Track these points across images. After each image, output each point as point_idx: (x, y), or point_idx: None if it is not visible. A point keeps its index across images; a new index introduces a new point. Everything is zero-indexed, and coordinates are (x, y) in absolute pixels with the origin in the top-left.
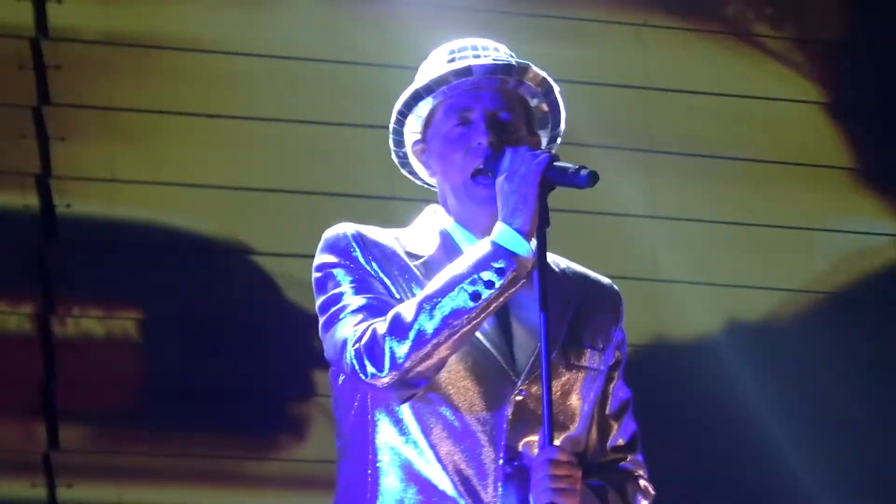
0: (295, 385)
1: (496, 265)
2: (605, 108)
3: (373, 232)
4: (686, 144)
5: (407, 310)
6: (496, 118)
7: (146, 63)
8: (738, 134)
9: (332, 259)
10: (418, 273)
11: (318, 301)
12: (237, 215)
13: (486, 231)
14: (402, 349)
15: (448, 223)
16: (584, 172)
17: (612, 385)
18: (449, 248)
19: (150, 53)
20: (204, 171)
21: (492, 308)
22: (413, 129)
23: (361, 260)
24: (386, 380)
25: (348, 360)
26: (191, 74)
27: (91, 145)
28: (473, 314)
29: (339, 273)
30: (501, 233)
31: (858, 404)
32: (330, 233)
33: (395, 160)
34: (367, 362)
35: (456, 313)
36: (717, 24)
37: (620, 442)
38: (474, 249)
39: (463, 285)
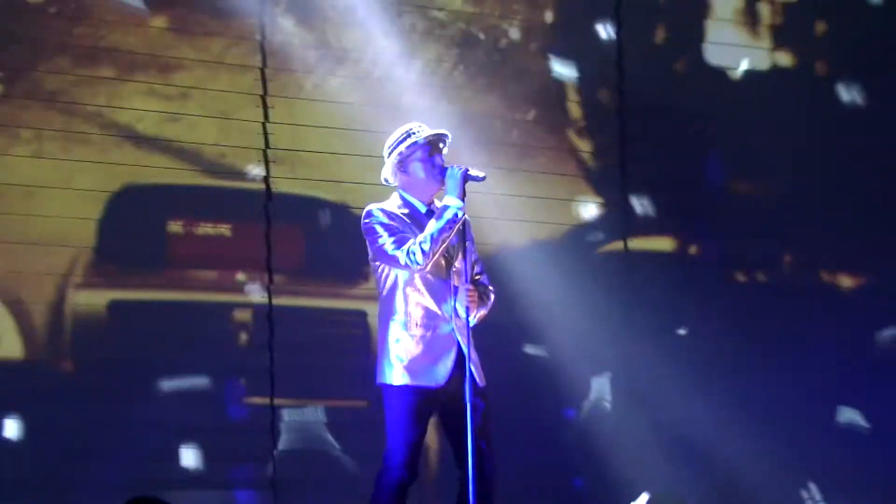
0: None
1: (456, 213)
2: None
3: (387, 205)
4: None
5: (424, 239)
6: (443, 155)
7: None
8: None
9: (374, 220)
10: (408, 221)
11: (373, 240)
12: None
13: (429, 202)
14: (425, 254)
15: (410, 198)
16: (481, 175)
17: (473, 249)
18: (414, 210)
19: None
20: None
21: (454, 232)
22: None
23: (387, 220)
24: (421, 265)
25: (403, 262)
26: None
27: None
28: (449, 234)
29: (379, 228)
30: (453, 200)
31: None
32: (369, 208)
33: (389, 163)
34: (413, 260)
35: (444, 235)
36: None
37: (479, 269)
38: (445, 209)
39: (445, 222)
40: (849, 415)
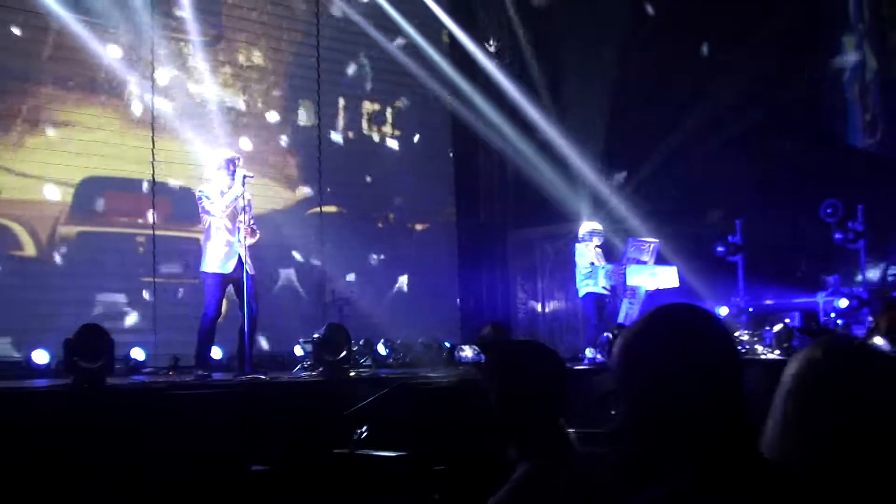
0: None
1: (238, 193)
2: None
3: (209, 185)
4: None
5: (223, 204)
6: (237, 165)
7: None
8: None
9: (203, 194)
10: (219, 196)
11: (201, 203)
12: None
13: (229, 187)
14: (222, 211)
15: (220, 186)
16: (251, 175)
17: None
18: (222, 192)
19: None
20: None
21: (236, 201)
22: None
23: (208, 193)
24: (220, 216)
25: (213, 213)
26: None
27: None
28: (234, 202)
29: (204, 197)
30: (237, 187)
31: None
32: (200, 188)
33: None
34: (217, 213)
35: (231, 203)
36: None
37: (253, 220)
38: (233, 190)
39: (232, 198)
40: (403, 278)
